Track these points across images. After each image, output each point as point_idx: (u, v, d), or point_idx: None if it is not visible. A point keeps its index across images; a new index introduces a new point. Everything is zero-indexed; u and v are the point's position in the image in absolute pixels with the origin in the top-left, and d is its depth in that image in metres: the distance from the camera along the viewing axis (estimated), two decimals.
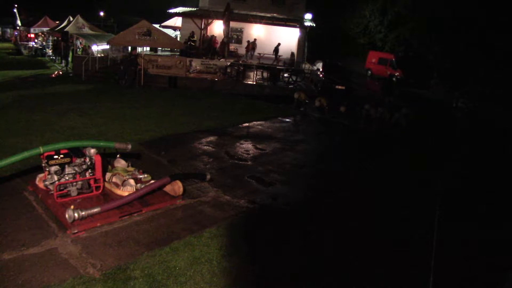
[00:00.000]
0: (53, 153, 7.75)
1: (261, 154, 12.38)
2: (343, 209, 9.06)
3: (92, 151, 7.89)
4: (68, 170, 7.79)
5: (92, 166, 7.97)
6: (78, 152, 8.00)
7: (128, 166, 9.21)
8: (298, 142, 14.16)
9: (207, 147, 12.49)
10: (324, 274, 6.50)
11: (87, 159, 7.91)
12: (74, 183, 7.84)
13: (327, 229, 8.00)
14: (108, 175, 8.61)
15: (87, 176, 7.98)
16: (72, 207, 6.99)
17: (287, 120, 17.47)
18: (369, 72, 38.19)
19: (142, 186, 8.19)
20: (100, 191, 8.15)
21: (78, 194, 7.86)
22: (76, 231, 6.86)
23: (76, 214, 6.88)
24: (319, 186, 10.51)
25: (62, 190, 7.75)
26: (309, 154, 13.13)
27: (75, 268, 5.99)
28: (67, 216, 6.90)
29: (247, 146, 13.01)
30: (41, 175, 8.10)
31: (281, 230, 7.79)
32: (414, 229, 8.37)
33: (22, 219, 7.17)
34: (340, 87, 24.99)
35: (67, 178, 7.78)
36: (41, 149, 7.65)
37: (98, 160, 7.96)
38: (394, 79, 34.02)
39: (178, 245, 6.81)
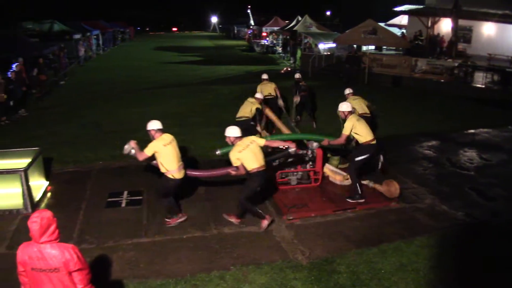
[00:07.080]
0: None
1: (485, 165, 11.14)
2: None
3: (315, 144, 8.20)
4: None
5: (313, 159, 8.35)
6: (301, 145, 8.46)
7: (341, 163, 9.44)
8: None
9: (428, 151, 11.85)
10: None
11: (309, 152, 8.26)
12: (295, 173, 8.34)
13: None
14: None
15: (308, 168, 8.39)
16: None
17: None
18: None
19: None
20: (319, 183, 8.49)
21: (297, 183, 8.33)
22: (291, 217, 7.32)
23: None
24: None
25: (283, 178, 8.31)
26: None
27: (285, 251, 6.42)
28: None
29: (470, 154, 11.87)
30: None
31: (497, 250, 6.85)
32: None
33: None
34: None
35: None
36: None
37: (319, 153, 8.30)
38: None
39: (387, 248, 6.64)
